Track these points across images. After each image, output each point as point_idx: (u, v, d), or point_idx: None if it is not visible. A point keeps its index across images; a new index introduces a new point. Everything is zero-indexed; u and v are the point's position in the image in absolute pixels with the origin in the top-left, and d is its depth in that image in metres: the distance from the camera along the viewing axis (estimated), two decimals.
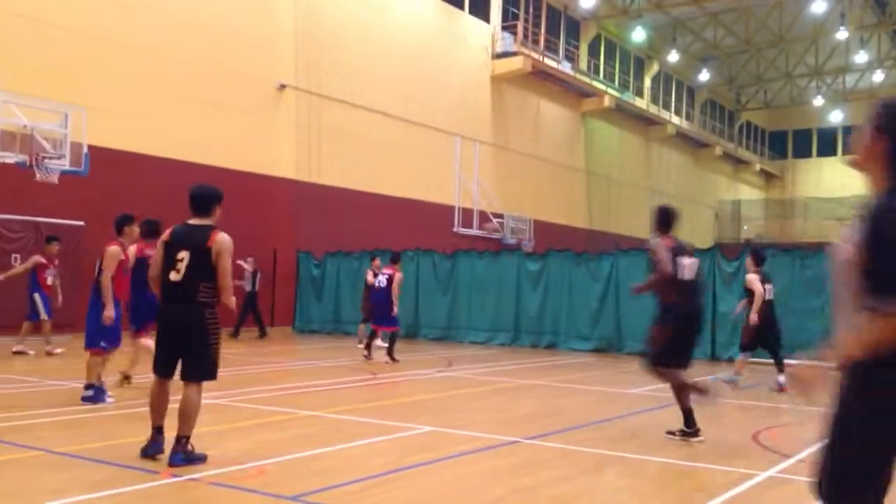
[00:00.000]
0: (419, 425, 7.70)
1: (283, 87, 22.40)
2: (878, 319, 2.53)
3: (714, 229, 48.41)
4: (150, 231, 9.24)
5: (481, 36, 30.69)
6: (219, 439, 6.81)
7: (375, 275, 14.92)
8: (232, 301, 6.01)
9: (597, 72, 38.45)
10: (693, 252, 7.65)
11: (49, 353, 13.13)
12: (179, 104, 19.54)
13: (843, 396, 2.71)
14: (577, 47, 36.94)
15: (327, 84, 23.73)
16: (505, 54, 31.07)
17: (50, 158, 14.14)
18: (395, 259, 14.76)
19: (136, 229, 8.97)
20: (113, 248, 8.51)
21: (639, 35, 38.33)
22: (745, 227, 49.50)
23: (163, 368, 6.00)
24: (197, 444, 5.94)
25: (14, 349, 13.22)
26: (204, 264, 5.85)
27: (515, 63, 30.87)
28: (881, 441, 2.64)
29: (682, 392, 7.34)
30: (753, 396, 10.95)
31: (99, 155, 15.95)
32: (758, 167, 54.30)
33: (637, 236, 38.58)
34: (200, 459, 5.84)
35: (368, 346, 14.47)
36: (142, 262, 8.96)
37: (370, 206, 24.87)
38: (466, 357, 15.61)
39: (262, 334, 18.66)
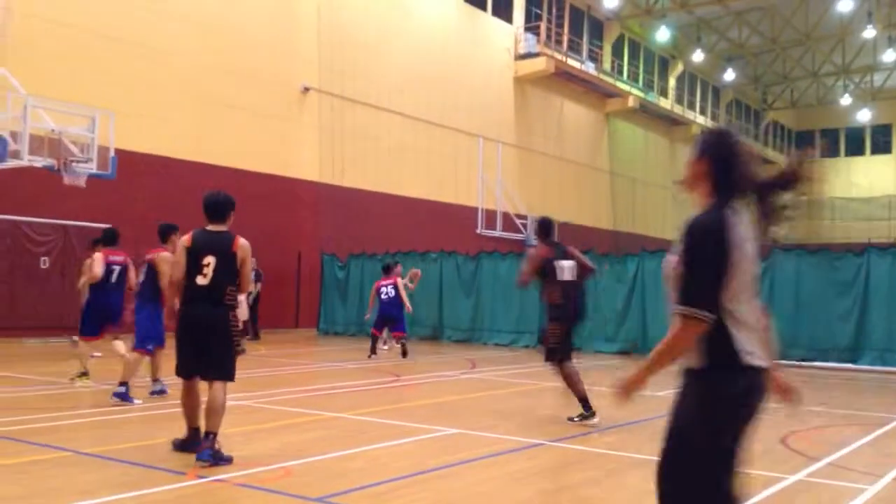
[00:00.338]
0: (443, 427, 7.68)
1: (306, 90, 22.52)
2: (680, 322, 2.78)
3: None
4: (112, 239, 10.12)
5: (504, 37, 30.66)
6: (245, 440, 6.85)
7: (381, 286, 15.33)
8: (245, 299, 6.22)
9: (620, 72, 38.28)
10: (572, 255, 8.76)
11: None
12: (204, 108, 19.71)
13: (683, 399, 2.93)
14: (600, 48, 36.78)
15: (350, 87, 23.82)
16: (528, 55, 31.03)
17: (77, 162, 14.29)
18: (388, 269, 15.45)
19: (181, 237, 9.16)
20: (166, 254, 8.85)
21: (663, 35, 38.10)
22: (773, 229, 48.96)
23: (190, 370, 6.16)
24: (223, 444, 5.99)
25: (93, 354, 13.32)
26: (230, 268, 6.12)
27: (538, 64, 30.82)
28: (721, 437, 2.85)
29: (574, 381, 8.22)
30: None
31: (125, 158, 16.12)
32: None
33: (663, 237, 38.35)
34: (227, 461, 5.91)
35: (374, 349, 15.09)
36: (125, 273, 9.91)
37: (393, 208, 24.92)
38: (490, 359, 15.58)
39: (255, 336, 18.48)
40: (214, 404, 5.96)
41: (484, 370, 13.48)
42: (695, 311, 2.76)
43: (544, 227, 8.92)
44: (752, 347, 2.85)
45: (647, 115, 39.29)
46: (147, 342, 8.88)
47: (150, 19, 18.69)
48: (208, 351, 6.03)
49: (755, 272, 2.91)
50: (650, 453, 6.96)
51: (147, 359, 9.03)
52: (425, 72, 26.61)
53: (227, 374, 6.11)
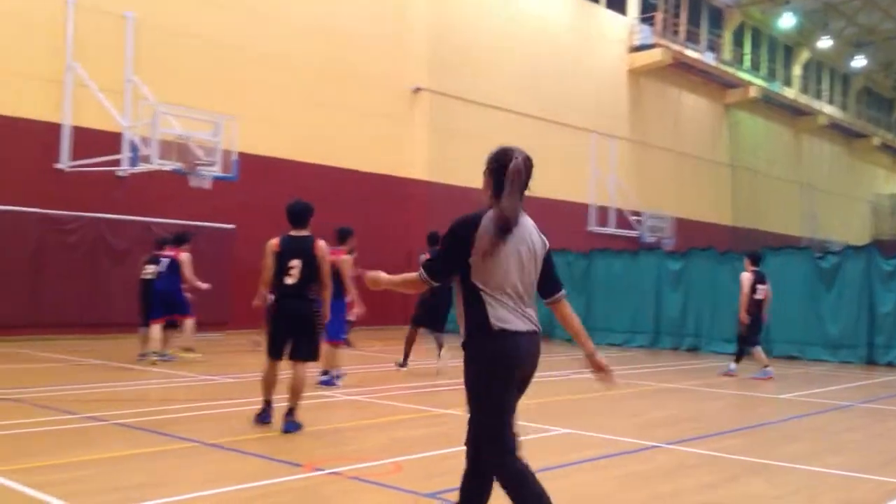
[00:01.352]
0: (553, 427, 7.60)
1: (417, 90, 22.76)
2: (414, 277, 3.84)
3: (871, 225, 45.38)
4: (181, 240, 12.51)
5: (618, 29, 30.09)
6: (358, 434, 6.99)
7: None
8: (329, 292, 7.35)
9: (742, 61, 36.88)
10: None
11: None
12: (319, 110, 20.24)
13: (464, 363, 3.71)
14: (720, 36, 35.56)
15: (461, 85, 23.92)
16: (643, 47, 30.34)
17: (203, 165, 14.94)
18: None
19: (355, 240, 10.67)
20: (347, 257, 10.18)
21: (787, 21, 36.47)
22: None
23: (280, 352, 7.11)
24: (337, 438, 6.23)
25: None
26: (312, 269, 7.10)
27: (654, 55, 30.08)
28: (498, 389, 3.62)
29: (411, 339, 12.37)
30: None
31: (247, 161, 16.74)
32: None
33: (787, 233, 36.73)
34: (301, 427, 6.99)
35: None
36: (174, 265, 12.20)
37: None
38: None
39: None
40: (298, 384, 7.05)
41: None
42: (424, 276, 3.78)
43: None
44: (505, 317, 3.62)
45: (771, 105, 37.68)
46: (341, 334, 9.97)
47: (268, 27, 19.35)
48: (296, 337, 7.03)
49: (521, 263, 3.72)
50: (772, 458, 6.68)
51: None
52: (537, 68, 26.43)
53: (311, 356, 7.18)
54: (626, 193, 29.53)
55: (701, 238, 26.10)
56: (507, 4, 25.64)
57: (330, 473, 5.57)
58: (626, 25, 30.38)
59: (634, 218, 29.58)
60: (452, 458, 6.22)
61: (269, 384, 7.19)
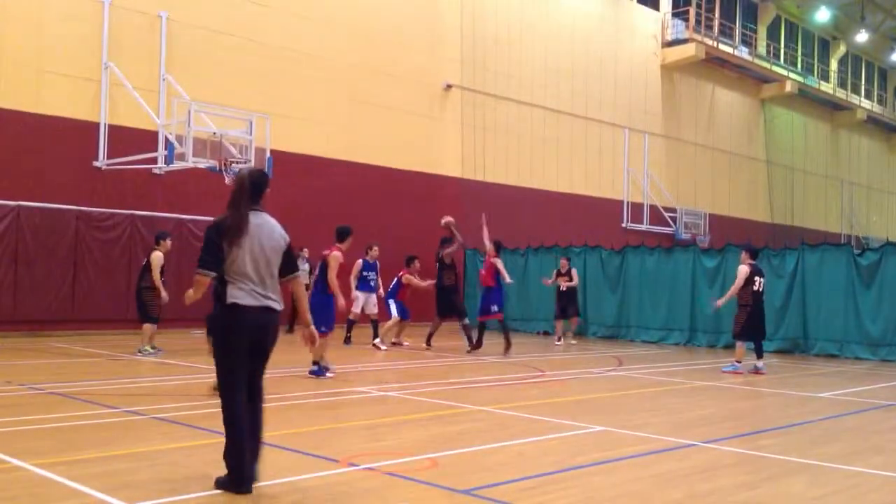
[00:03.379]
0: (589, 424, 7.55)
1: (449, 86, 22.75)
2: (196, 279, 4.91)
3: None
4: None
5: (650, 24, 29.84)
6: (394, 430, 7.00)
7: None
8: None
9: (777, 56, 36.37)
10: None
11: (397, 343, 15.60)
12: (351, 107, 20.32)
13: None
14: (754, 31, 35.10)
15: (492, 82, 23.88)
16: (676, 42, 30.07)
17: (237, 163, 15.06)
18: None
19: (350, 240, 10.78)
20: (337, 253, 10.50)
21: (823, 15, 35.90)
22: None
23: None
24: (373, 433, 6.33)
25: (392, 340, 15.61)
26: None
27: (688, 50, 29.79)
28: (227, 350, 4.89)
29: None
30: None
31: (280, 158, 16.84)
32: None
33: (825, 230, 36.18)
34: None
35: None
36: None
37: (536, 203, 24.79)
38: (638, 356, 15.20)
39: (289, 329, 16.93)
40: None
41: (631, 367, 13.16)
42: (200, 271, 4.87)
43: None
44: (238, 295, 4.82)
45: (807, 100, 37.12)
46: (321, 326, 9.89)
47: (299, 24, 19.46)
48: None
49: (260, 256, 4.93)
50: (815, 457, 6.56)
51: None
52: (568, 64, 26.29)
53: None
54: (659, 190, 29.28)
55: (737, 234, 25.80)
56: (538, 1, 25.52)
57: (365, 469, 5.58)
58: (657, 20, 30.11)
59: (669, 214, 29.32)
60: (490, 455, 6.21)
61: None
